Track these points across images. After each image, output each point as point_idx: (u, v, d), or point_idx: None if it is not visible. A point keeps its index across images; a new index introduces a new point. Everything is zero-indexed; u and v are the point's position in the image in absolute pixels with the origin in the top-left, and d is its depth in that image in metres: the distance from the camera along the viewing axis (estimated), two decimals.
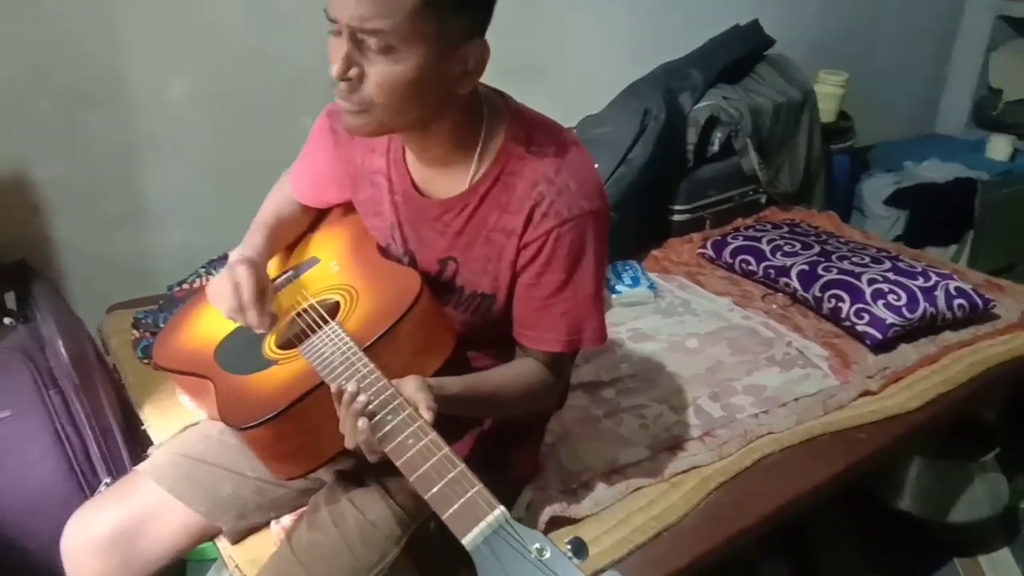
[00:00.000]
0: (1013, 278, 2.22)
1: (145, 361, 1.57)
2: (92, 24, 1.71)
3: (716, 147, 2.32)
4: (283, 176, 1.27)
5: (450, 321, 1.10)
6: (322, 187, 1.22)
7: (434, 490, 0.76)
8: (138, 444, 1.43)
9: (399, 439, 0.82)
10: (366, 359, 0.91)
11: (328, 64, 0.93)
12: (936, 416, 1.62)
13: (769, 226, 2.21)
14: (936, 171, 3.03)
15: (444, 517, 0.74)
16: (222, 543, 1.18)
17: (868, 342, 1.75)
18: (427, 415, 0.84)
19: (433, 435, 0.81)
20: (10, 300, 1.67)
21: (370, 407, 0.85)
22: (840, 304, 1.81)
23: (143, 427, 1.45)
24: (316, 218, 1.29)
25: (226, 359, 1.07)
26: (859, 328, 1.76)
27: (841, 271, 1.88)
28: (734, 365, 1.69)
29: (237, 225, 1.21)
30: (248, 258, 1.09)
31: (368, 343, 0.95)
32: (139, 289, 1.80)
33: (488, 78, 1.04)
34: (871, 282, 1.81)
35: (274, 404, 0.93)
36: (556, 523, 1.25)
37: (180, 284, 1.73)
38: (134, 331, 1.65)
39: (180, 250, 1.94)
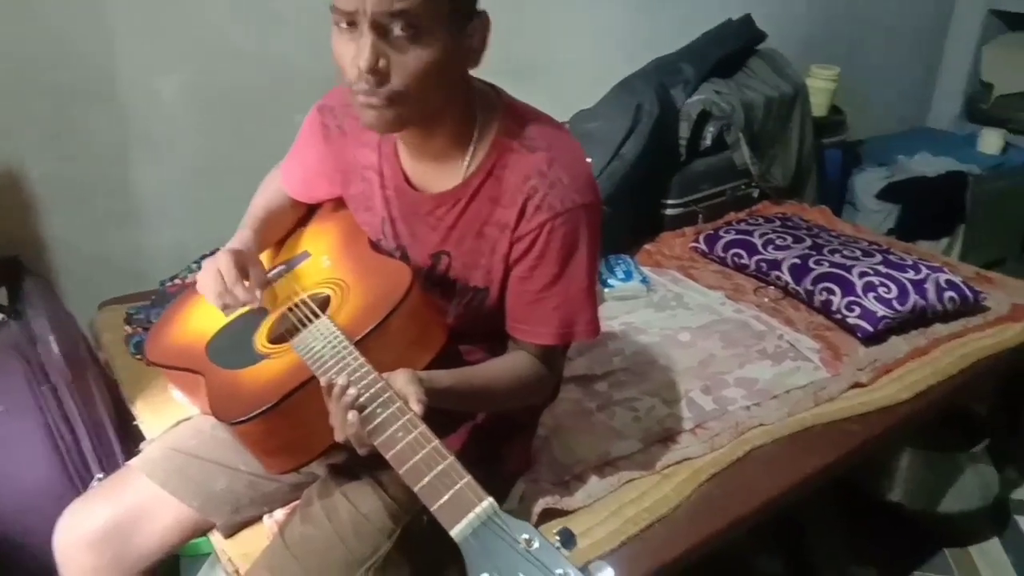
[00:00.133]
0: (1004, 271, 2.23)
1: (137, 357, 1.57)
2: (85, 23, 1.71)
3: (708, 141, 2.32)
4: (273, 170, 1.27)
5: (441, 315, 1.10)
6: (312, 182, 1.22)
7: (423, 482, 0.76)
8: (131, 440, 1.43)
9: (389, 432, 0.82)
10: (356, 353, 0.91)
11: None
12: (926, 408, 1.63)
13: (761, 220, 2.22)
14: (928, 165, 3.04)
15: (433, 509, 0.74)
16: (215, 537, 1.18)
17: (859, 334, 1.76)
18: (417, 408, 0.84)
19: (423, 428, 0.81)
20: (2, 296, 1.67)
21: (360, 400, 0.85)
22: (831, 297, 1.81)
23: (136, 423, 1.45)
24: (307, 213, 1.29)
25: (217, 354, 1.07)
26: (850, 321, 1.77)
27: (832, 264, 1.89)
28: (726, 358, 1.69)
29: (230, 222, 1.21)
30: (232, 248, 1.09)
31: (359, 337, 0.95)
32: (131, 285, 1.80)
33: (481, 74, 1.05)
34: (862, 275, 1.82)
35: (265, 398, 0.93)
36: (549, 515, 1.26)
37: (172, 279, 1.73)
38: (126, 327, 1.64)
39: (173, 247, 1.94)
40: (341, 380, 0.86)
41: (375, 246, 1.15)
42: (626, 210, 2.11)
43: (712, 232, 2.18)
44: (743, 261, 2.05)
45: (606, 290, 1.94)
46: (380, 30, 0.88)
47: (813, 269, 1.89)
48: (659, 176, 2.26)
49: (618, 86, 2.29)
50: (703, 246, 2.16)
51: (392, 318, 0.97)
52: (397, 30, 0.88)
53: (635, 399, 1.54)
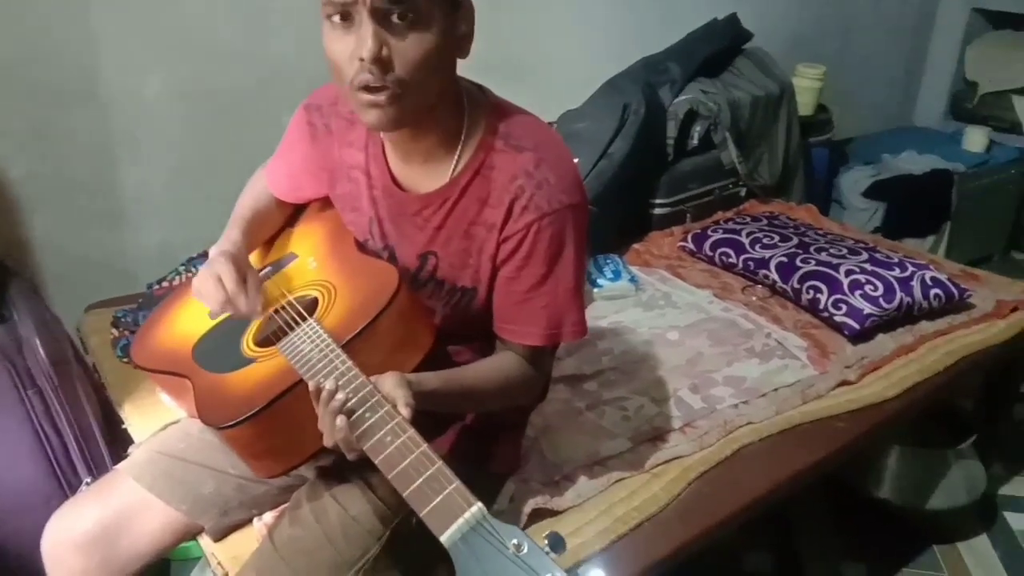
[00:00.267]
0: (990, 268, 2.26)
1: (125, 360, 1.56)
2: (66, 21, 1.70)
3: (696, 141, 2.33)
4: (258, 170, 1.27)
5: (429, 316, 1.10)
6: (298, 182, 1.21)
7: (412, 487, 0.76)
8: (119, 443, 1.42)
9: (377, 436, 0.82)
10: (344, 356, 0.91)
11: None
12: (913, 404, 1.64)
13: (748, 219, 2.23)
14: (913, 163, 3.07)
15: (422, 514, 0.74)
16: (204, 540, 1.18)
17: (846, 332, 1.77)
18: (405, 412, 0.84)
19: (411, 432, 0.81)
20: None
21: (348, 405, 0.85)
22: (818, 295, 1.82)
23: (124, 426, 1.44)
24: (293, 213, 1.28)
25: (204, 357, 1.06)
26: (837, 319, 1.78)
27: (819, 263, 1.90)
28: (714, 357, 1.70)
29: (216, 222, 1.20)
30: (226, 251, 1.08)
31: (346, 340, 0.95)
32: (118, 288, 1.78)
33: (468, 73, 1.05)
34: (848, 273, 1.83)
35: (252, 403, 0.92)
36: (539, 515, 1.26)
37: (159, 282, 1.72)
38: (113, 330, 1.64)
39: (159, 248, 1.93)
40: (329, 384, 0.86)
41: (362, 247, 1.15)
42: (614, 210, 2.12)
43: (700, 231, 2.19)
44: (731, 260, 2.06)
45: (595, 290, 1.95)
46: (379, 17, 0.88)
47: (800, 268, 1.90)
48: (647, 176, 2.26)
49: (605, 85, 2.29)
50: (691, 245, 2.17)
51: (380, 320, 0.97)
52: (395, 17, 0.88)
53: (624, 398, 1.55)
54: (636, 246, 2.22)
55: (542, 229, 1.01)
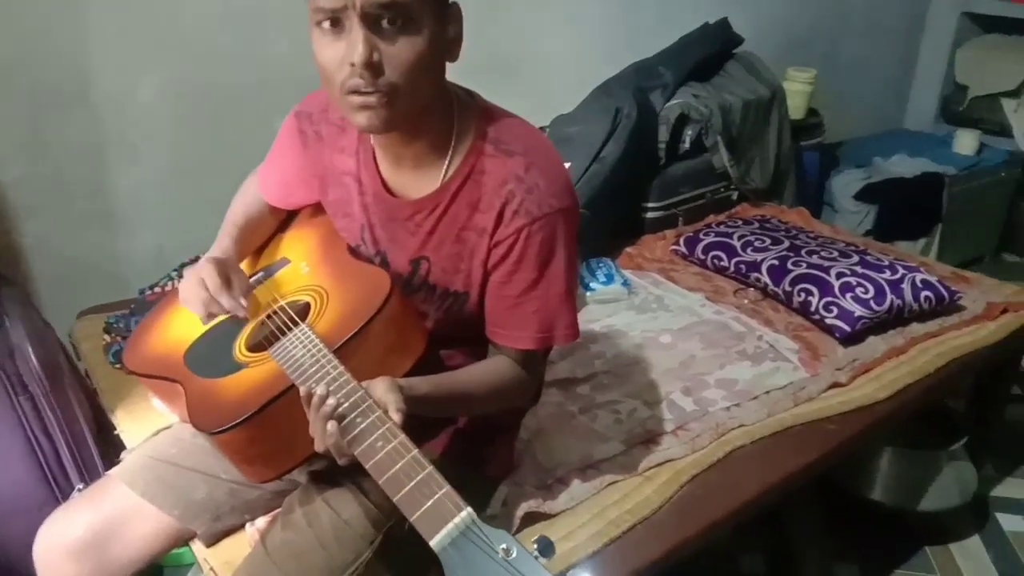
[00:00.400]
0: (982, 269, 2.27)
1: (117, 366, 1.56)
2: (59, 22, 1.69)
3: (687, 145, 2.34)
4: (250, 177, 1.27)
5: (421, 321, 1.10)
6: (290, 188, 1.22)
7: (402, 492, 0.76)
8: (111, 449, 1.42)
9: (368, 441, 0.82)
10: (336, 361, 0.91)
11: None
12: (904, 406, 1.65)
13: (740, 222, 2.24)
14: (904, 166, 3.08)
15: (412, 519, 0.74)
16: (197, 546, 1.18)
17: (837, 335, 1.78)
18: (396, 417, 0.84)
19: (402, 437, 0.81)
20: None
21: (340, 410, 0.85)
22: (809, 298, 1.83)
23: (116, 432, 1.44)
24: (286, 218, 1.28)
25: (196, 362, 1.06)
26: (828, 321, 1.79)
27: (810, 265, 1.90)
28: (706, 359, 1.71)
29: (208, 227, 1.21)
30: (211, 256, 1.09)
31: (338, 345, 0.95)
32: (110, 293, 1.78)
33: (460, 76, 1.05)
34: (839, 276, 1.84)
35: (244, 408, 0.93)
36: (532, 519, 1.26)
37: (152, 288, 1.72)
38: (105, 336, 1.63)
39: (151, 253, 1.93)
40: (320, 390, 0.86)
41: (354, 252, 1.15)
42: (607, 213, 2.13)
43: (692, 235, 2.19)
44: (723, 263, 2.07)
45: (588, 293, 1.95)
46: (370, 23, 0.88)
47: (791, 270, 1.91)
48: (639, 179, 2.27)
49: (597, 90, 2.30)
50: (683, 248, 2.18)
51: (372, 325, 0.97)
52: (385, 22, 0.88)
53: (617, 401, 1.55)
54: (629, 250, 2.23)
55: (532, 233, 1.02)
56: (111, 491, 1.10)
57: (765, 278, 1.95)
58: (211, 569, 1.15)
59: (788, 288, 1.89)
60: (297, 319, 1.03)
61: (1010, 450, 2.26)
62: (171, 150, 1.91)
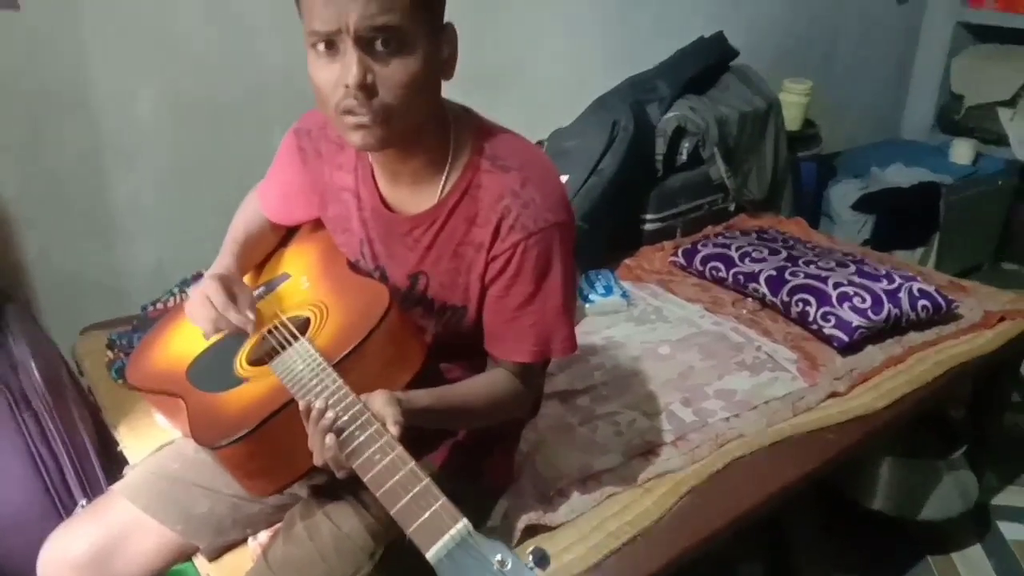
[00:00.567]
0: (980, 278, 2.27)
1: (120, 382, 1.56)
2: (56, 33, 1.69)
3: (684, 157, 2.35)
4: (250, 193, 1.29)
5: (420, 335, 1.11)
6: (291, 204, 1.23)
7: (400, 505, 0.77)
8: (115, 466, 1.43)
9: (366, 455, 0.82)
10: (335, 375, 0.92)
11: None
12: (902, 415, 1.66)
13: (738, 233, 2.25)
14: (901, 176, 3.09)
15: (409, 531, 0.75)
16: (200, 561, 1.18)
17: (835, 344, 1.78)
18: (394, 430, 0.85)
19: (399, 450, 0.82)
20: None
21: (338, 423, 0.85)
22: (807, 308, 1.84)
23: (119, 448, 1.45)
24: (286, 233, 1.30)
25: (198, 377, 1.07)
26: (826, 331, 1.80)
27: (808, 275, 1.91)
28: (705, 370, 1.71)
29: (210, 241, 1.22)
30: (215, 273, 1.10)
31: (338, 359, 0.96)
32: (112, 309, 1.79)
33: (456, 90, 1.06)
34: (837, 286, 1.85)
35: (245, 422, 0.93)
36: (532, 531, 1.26)
37: (154, 304, 1.73)
38: (108, 352, 1.64)
39: (153, 268, 1.94)
40: (319, 403, 0.87)
41: (353, 267, 1.16)
42: (605, 225, 2.14)
43: (690, 246, 2.20)
44: (721, 274, 2.08)
45: (587, 305, 1.96)
46: (364, 45, 0.89)
47: (789, 281, 1.92)
48: (637, 191, 2.29)
49: (594, 104, 2.32)
50: (682, 260, 2.19)
51: (371, 339, 0.98)
52: (379, 44, 0.90)
53: (616, 413, 1.56)
54: (627, 261, 2.24)
55: (529, 248, 1.03)
56: (114, 506, 1.11)
57: (763, 289, 1.96)
58: None
59: (786, 298, 1.90)
60: (298, 333, 1.04)
61: (1010, 458, 2.27)
62: (170, 162, 1.91)
